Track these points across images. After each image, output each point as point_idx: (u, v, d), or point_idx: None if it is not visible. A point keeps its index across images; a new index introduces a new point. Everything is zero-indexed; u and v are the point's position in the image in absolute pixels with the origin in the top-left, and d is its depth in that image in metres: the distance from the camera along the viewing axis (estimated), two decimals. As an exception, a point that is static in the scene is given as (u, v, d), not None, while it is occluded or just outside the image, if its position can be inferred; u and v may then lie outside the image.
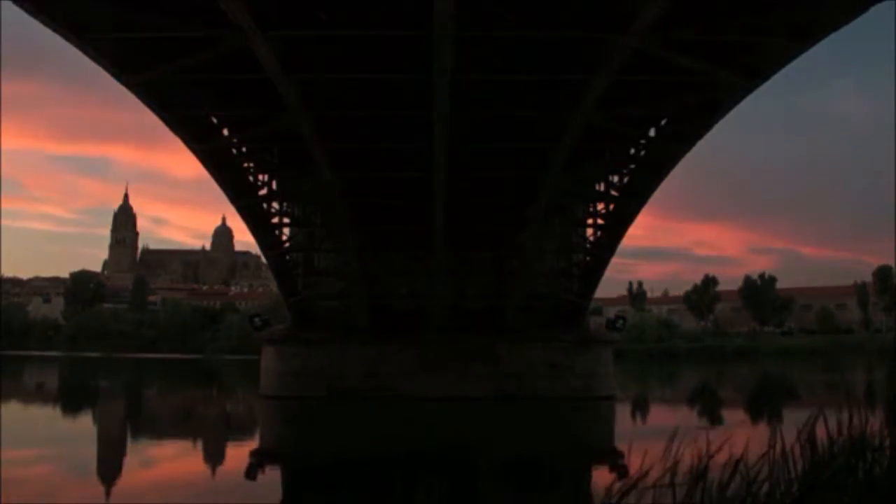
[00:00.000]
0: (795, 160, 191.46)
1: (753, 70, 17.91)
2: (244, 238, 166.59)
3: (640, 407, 36.45)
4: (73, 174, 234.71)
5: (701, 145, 22.65)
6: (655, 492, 4.00)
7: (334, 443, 22.37)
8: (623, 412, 32.29)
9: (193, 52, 17.26)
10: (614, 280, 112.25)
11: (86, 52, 16.35)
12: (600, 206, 31.00)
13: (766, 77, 17.89)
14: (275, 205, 30.71)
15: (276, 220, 31.25)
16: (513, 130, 23.12)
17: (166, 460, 20.55)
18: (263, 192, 28.73)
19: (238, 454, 22.23)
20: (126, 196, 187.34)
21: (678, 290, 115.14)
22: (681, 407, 35.29)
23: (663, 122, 23.94)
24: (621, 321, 36.07)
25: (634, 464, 4.36)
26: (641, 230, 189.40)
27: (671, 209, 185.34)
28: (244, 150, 26.30)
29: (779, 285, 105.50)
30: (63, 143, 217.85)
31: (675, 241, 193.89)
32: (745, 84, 18.50)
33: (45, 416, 32.32)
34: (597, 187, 29.73)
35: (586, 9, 15.86)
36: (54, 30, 15.31)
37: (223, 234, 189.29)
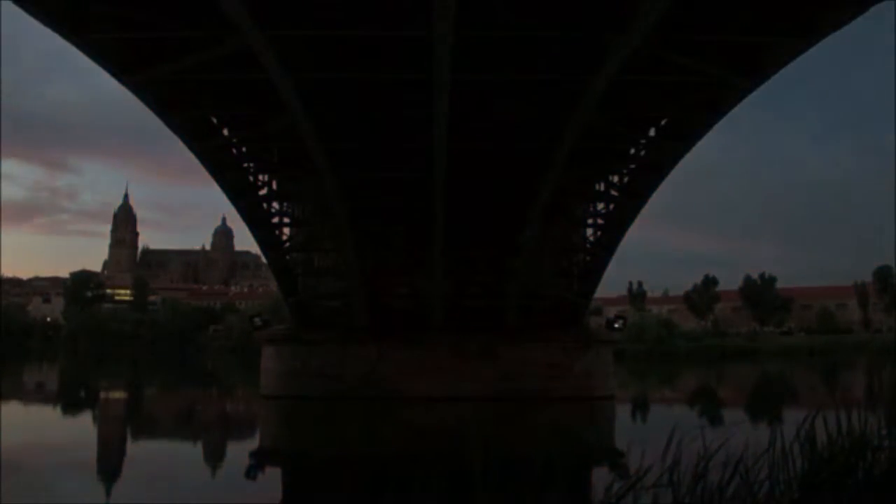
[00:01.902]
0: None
1: (753, 70, 17.89)
2: (244, 238, 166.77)
3: (640, 407, 36.44)
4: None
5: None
6: (655, 492, 3.99)
7: (334, 443, 22.39)
8: (623, 412, 32.29)
9: (193, 51, 17.25)
10: (615, 280, 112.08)
11: (84, 51, 16.32)
12: (600, 206, 31.01)
13: (766, 77, 17.88)
14: (275, 205, 30.71)
15: (276, 220, 31.25)
16: (513, 130, 23.10)
17: (166, 460, 20.55)
18: (263, 191, 28.72)
19: (238, 453, 22.24)
20: (126, 196, 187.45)
21: (678, 290, 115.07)
22: (681, 407, 35.28)
23: (663, 122, 23.92)
24: (621, 321, 36.04)
25: (634, 464, 4.35)
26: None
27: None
28: (244, 150, 26.28)
29: (779, 285, 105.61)
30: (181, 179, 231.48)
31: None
32: (744, 84, 18.48)
33: (46, 417, 32.31)
34: (597, 187, 29.73)
35: (587, 8, 15.84)
36: (53, 28, 15.27)
37: (223, 234, 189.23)
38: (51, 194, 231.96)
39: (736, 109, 20.70)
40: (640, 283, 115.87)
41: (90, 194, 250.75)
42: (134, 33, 16.32)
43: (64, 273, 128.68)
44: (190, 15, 15.45)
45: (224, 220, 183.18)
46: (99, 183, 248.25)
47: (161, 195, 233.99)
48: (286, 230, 32.98)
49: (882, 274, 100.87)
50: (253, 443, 25.71)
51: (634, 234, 30.56)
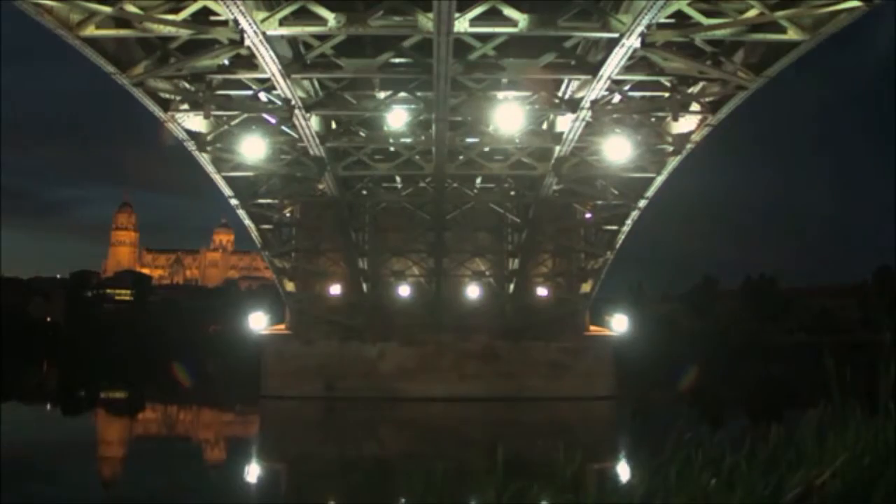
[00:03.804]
0: None
1: (757, 68, 17.85)
2: (245, 238, 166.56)
3: (640, 407, 36.38)
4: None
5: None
6: (655, 492, 3.95)
7: (334, 442, 22.38)
8: (623, 412, 32.26)
9: (194, 51, 17.26)
10: (615, 280, 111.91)
11: (85, 52, 16.27)
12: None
13: (769, 76, 17.81)
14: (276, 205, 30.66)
15: (276, 219, 31.24)
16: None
17: (168, 459, 20.52)
18: (263, 190, 28.66)
19: (238, 454, 22.21)
20: (126, 195, 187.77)
21: (678, 290, 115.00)
22: (681, 407, 35.20)
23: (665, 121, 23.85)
24: (621, 321, 35.98)
25: (634, 464, 4.32)
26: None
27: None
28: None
29: (778, 285, 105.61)
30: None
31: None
32: (746, 82, 18.42)
33: (48, 418, 32.28)
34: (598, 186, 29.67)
35: (588, 10, 15.84)
36: (53, 28, 15.22)
37: (223, 234, 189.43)
38: (174, 217, 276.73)
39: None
40: (639, 283, 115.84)
41: (203, 215, 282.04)
42: (134, 34, 16.31)
43: (64, 273, 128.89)
44: (191, 16, 15.43)
45: (224, 219, 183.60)
46: (215, 205, 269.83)
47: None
48: (286, 230, 33.04)
49: (882, 274, 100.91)
50: (253, 443, 25.68)
51: (635, 233, 30.53)
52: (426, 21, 14.80)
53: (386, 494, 13.48)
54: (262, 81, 19.05)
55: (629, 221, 29.30)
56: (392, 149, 25.18)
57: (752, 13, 15.28)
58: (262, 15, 14.90)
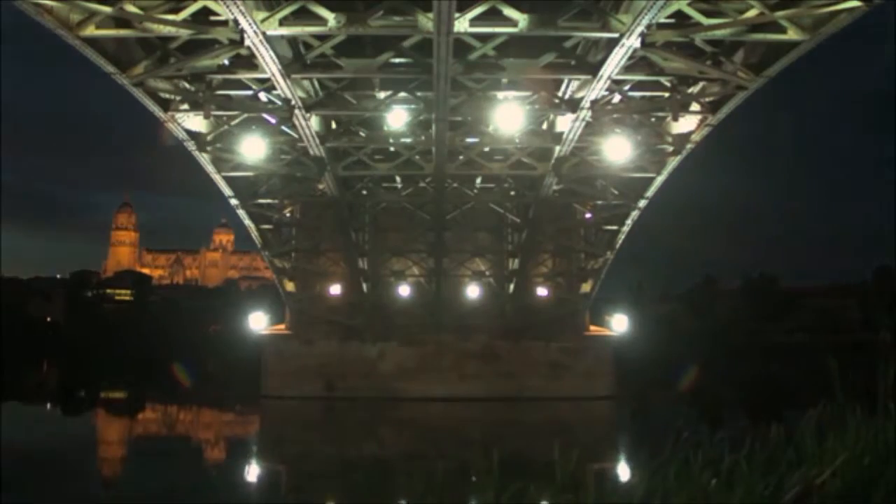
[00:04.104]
0: None
1: (757, 68, 17.85)
2: (244, 238, 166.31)
3: (639, 407, 36.39)
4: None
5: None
6: (654, 492, 3.96)
7: (334, 442, 22.38)
8: (623, 412, 32.27)
9: (194, 51, 17.27)
10: (615, 280, 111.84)
11: (85, 52, 16.27)
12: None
13: (769, 76, 17.81)
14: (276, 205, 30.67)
15: (276, 220, 31.25)
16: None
17: (168, 459, 20.53)
18: (263, 190, 28.68)
19: (239, 454, 22.20)
20: (126, 195, 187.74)
21: (678, 290, 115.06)
22: (681, 407, 35.21)
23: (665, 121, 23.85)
24: (621, 321, 35.99)
25: (634, 464, 4.33)
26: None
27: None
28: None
29: (778, 285, 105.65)
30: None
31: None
32: (746, 82, 18.42)
33: (48, 418, 32.27)
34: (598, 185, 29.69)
35: (588, 10, 15.85)
36: (53, 28, 15.22)
37: (223, 234, 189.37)
38: (174, 217, 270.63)
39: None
40: (640, 283, 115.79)
41: (203, 215, 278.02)
42: (134, 34, 16.31)
43: (64, 273, 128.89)
44: (192, 16, 15.43)
45: (224, 219, 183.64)
46: (215, 205, 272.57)
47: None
48: (286, 230, 33.04)
49: (882, 274, 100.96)
50: (253, 443, 25.70)
51: (635, 233, 30.54)
52: (426, 21, 14.80)
53: (386, 494, 13.49)
54: (262, 81, 19.05)
55: (629, 221, 29.31)
56: (392, 149, 25.19)
57: (752, 13, 15.27)
58: (262, 15, 14.90)
